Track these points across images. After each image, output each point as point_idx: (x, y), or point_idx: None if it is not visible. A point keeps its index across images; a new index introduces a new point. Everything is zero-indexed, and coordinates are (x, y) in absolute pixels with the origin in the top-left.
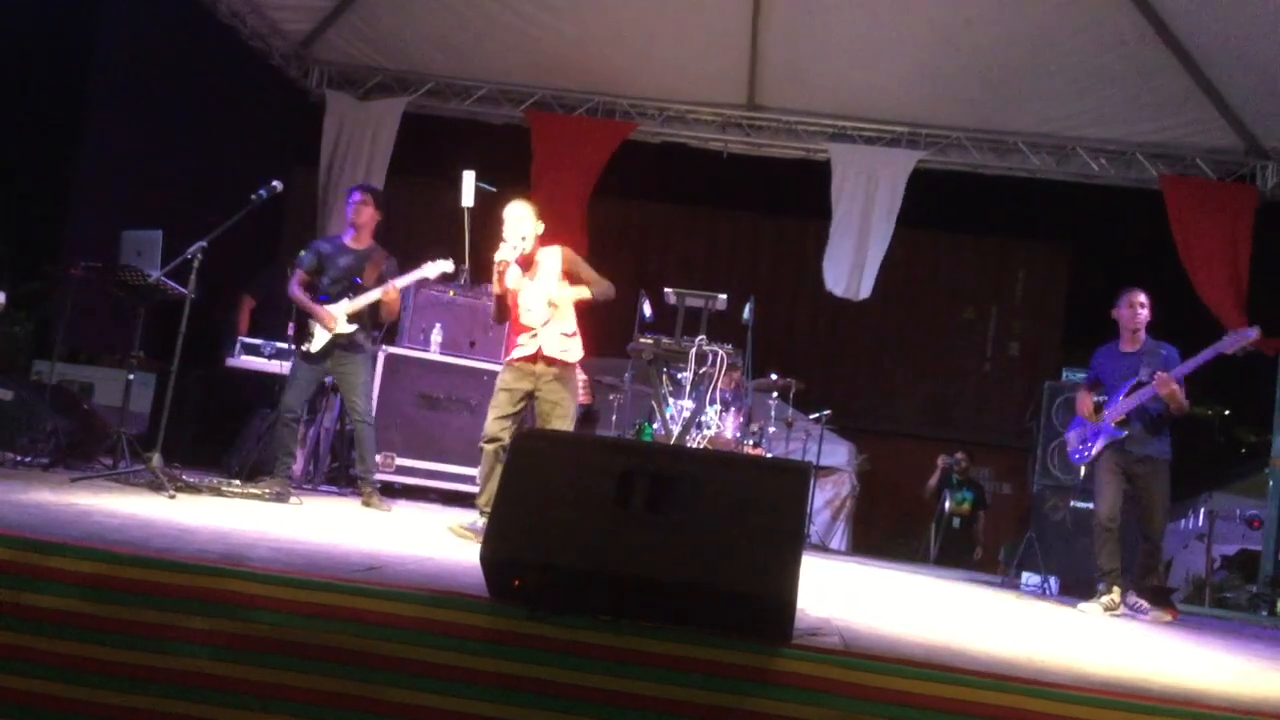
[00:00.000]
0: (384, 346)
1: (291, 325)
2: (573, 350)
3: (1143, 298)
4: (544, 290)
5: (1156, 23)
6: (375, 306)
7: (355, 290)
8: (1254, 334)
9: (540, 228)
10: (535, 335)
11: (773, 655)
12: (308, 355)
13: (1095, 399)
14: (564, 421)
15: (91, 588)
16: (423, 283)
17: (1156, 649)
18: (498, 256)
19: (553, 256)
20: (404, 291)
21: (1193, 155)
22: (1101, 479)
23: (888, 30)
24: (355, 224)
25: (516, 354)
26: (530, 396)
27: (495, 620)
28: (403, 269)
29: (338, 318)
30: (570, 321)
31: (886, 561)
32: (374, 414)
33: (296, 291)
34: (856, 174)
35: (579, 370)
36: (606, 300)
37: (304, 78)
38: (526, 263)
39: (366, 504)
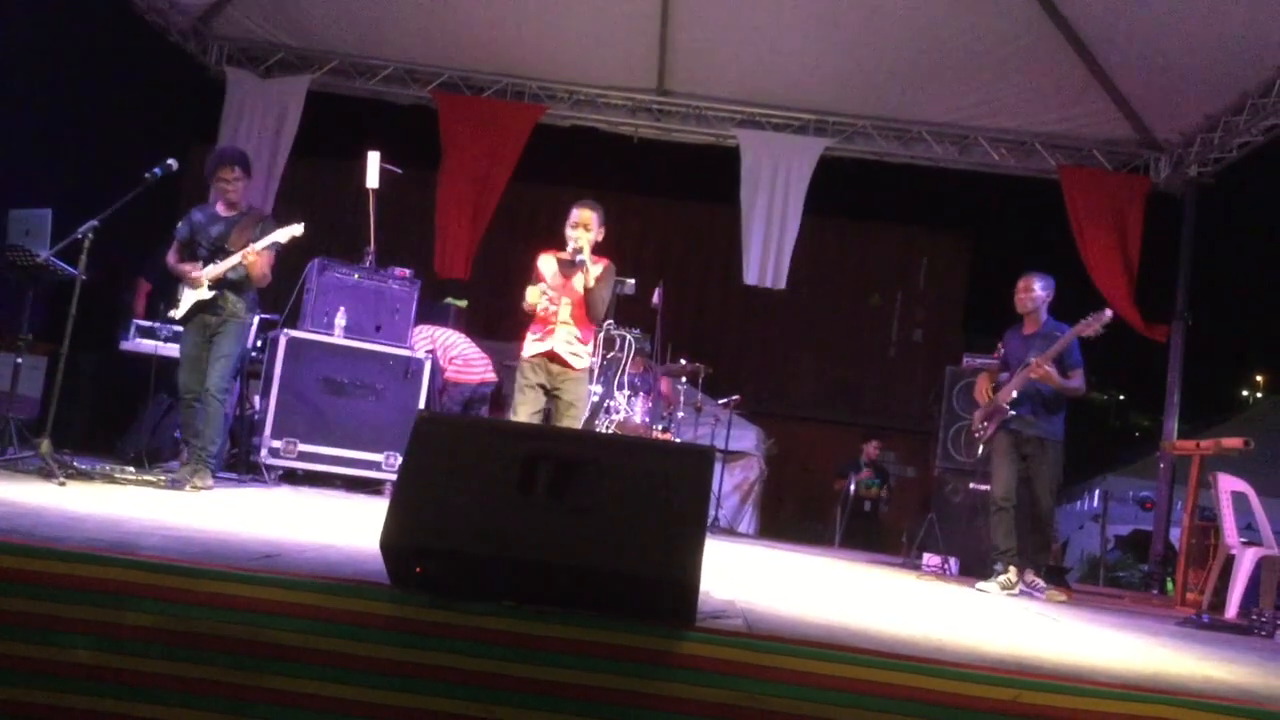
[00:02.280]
0: (286, 330)
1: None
2: (583, 355)
3: (1029, 282)
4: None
5: (1055, 16)
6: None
7: (225, 256)
8: (1108, 314)
9: (599, 236)
10: (553, 332)
11: (676, 639)
12: (177, 321)
13: (1002, 378)
14: (576, 422)
15: None
16: (325, 265)
17: (1050, 627)
18: (579, 248)
19: (596, 268)
20: (308, 273)
21: (1090, 146)
22: (996, 459)
23: (796, 18)
24: (231, 201)
25: (531, 350)
26: (547, 393)
27: (397, 608)
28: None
29: (203, 279)
30: (585, 330)
31: (793, 544)
32: (228, 391)
33: (171, 259)
34: (764, 161)
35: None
36: (593, 318)
37: (203, 54)
38: (570, 262)
39: (190, 486)
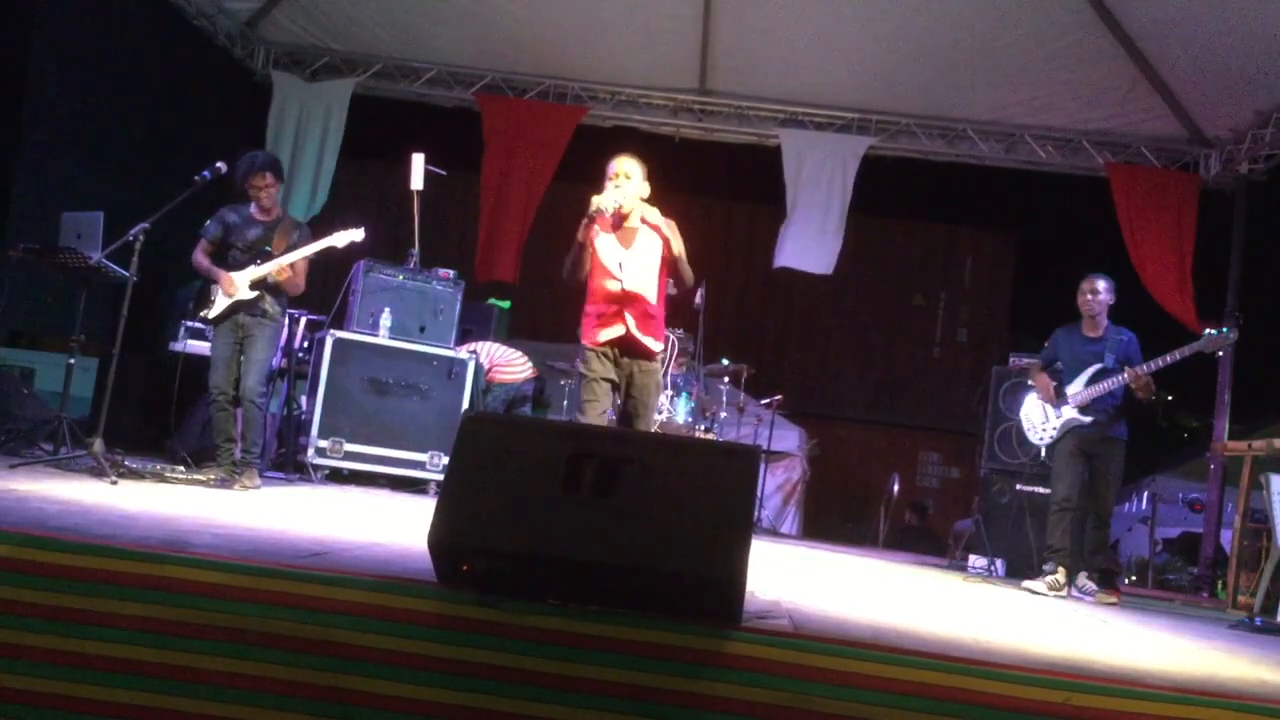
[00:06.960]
0: (332, 331)
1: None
2: (657, 334)
3: (1097, 284)
4: (644, 258)
5: (1103, 11)
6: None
7: (265, 259)
8: (1233, 336)
9: (645, 190)
10: (620, 310)
11: (722, 638)
12: (210, 321)
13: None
14: (651, 413)
15: (30, 574)
16: (370, 267)
17: (1101, 629)
18: (596, 200)
19: (652, 223)
20: (354, 274)
21: (1138, 143)
22: (1061, 461)
23: (838, 17)
24: (265, 206)
25: (603, 335)
26: (616, 387)
27: (443, 605)
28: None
29: (238, 283)
30: (657, 302)
31: (836, 545)
32: (265, 395)
33: (201, 259)
34: (807, 160)
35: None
36: (685, 279)
37: (249, 58)
38: (620, 226)
39: (240, 486)
